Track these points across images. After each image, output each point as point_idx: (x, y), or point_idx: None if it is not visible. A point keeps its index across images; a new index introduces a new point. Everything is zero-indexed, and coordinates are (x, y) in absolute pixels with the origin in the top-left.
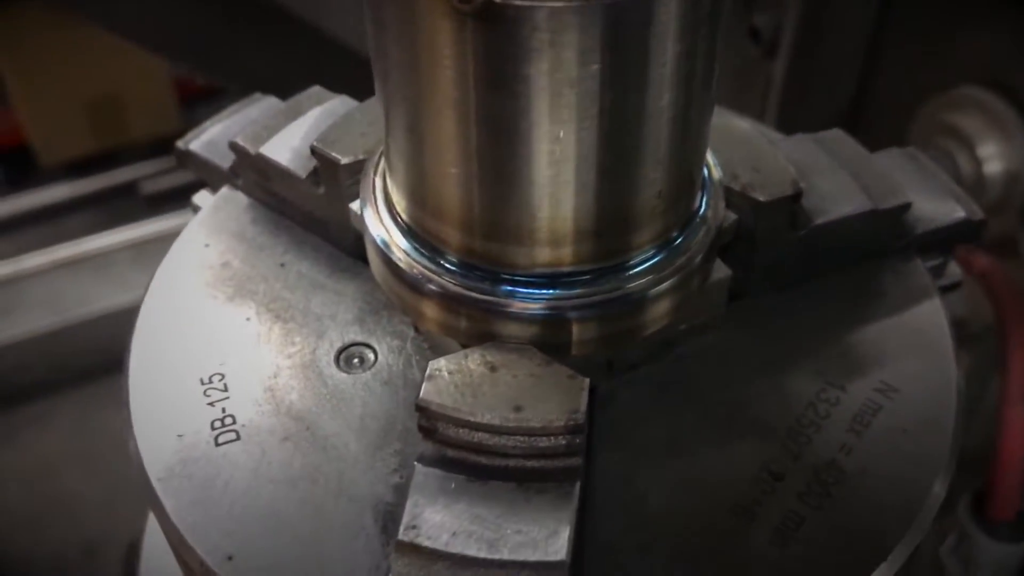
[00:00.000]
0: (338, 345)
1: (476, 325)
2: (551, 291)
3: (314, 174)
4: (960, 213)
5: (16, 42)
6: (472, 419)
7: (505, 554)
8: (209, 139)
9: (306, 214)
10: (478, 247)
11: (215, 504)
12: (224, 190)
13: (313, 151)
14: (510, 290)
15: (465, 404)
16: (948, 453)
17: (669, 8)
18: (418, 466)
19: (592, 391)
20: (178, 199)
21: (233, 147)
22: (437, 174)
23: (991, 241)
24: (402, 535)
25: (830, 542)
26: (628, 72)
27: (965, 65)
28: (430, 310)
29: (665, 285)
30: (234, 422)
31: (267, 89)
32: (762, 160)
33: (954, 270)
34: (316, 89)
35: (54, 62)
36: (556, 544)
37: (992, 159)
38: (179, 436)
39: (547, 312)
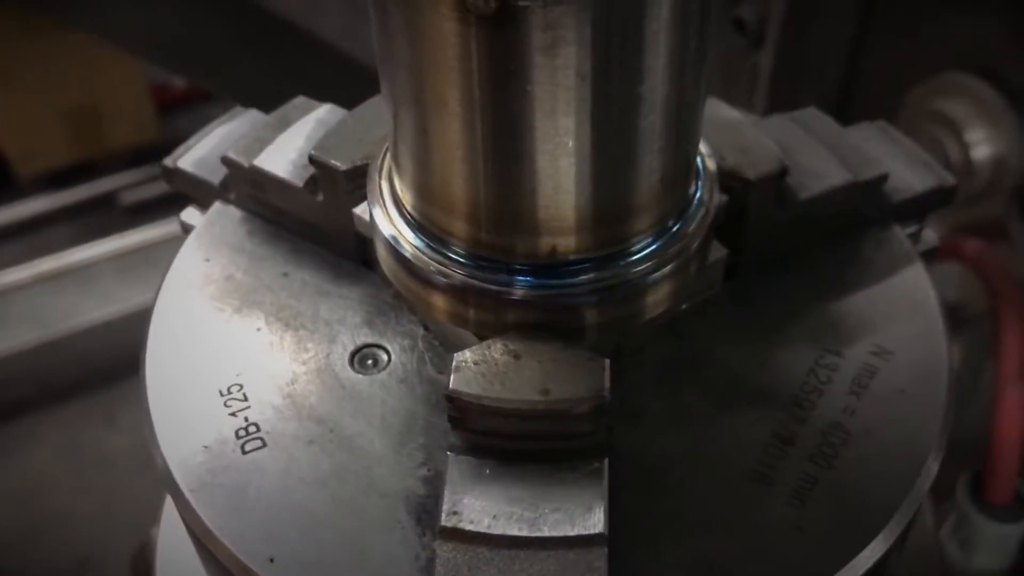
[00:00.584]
0: (351, 348)
1: (491, 315)
2: (565, 279)
3: (311, 183)
4: (932, 181)
5: None
6: (502, 405)
7: (546, 531)
8: (196, 155)
9: (304, 223)
10: (489, 239)
11: (250, 510)
12: (217, 205)
13: (311, 160)
14: (525, 280)
15: (494, 391)
16: (944, 408)
17: (648, 16)
18: (451, 455)
19: None
20: (159, 209)
21: (226, 161)
22: (446, 170)
23: (981, 225)
24: (444, 521)
25: (845, 498)
26: (628, 64)
27: (951, 51)
28: (444, 303)
29: (669, 267)
30: (258, 430)
31: (254, 94)
32: (746, 141)
33: (929, 236)
34: (301, 99)
35: (30, 72)
36: (593, 518)
37: (980, 144)
38: (205, 447)
39: (562, 299)
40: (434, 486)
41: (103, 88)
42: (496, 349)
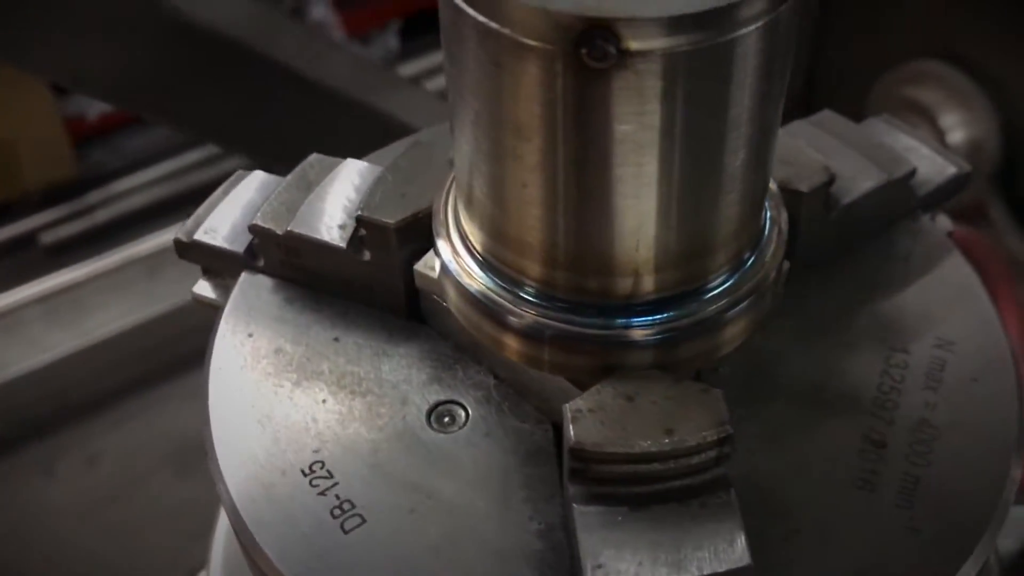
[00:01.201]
0: (425, 408)
1: (590, 359)
2: (664, 315)
3: (355, 242)
4: (952, 169)
5: None
6: (630, 450)
7: (695, 571)
8: (214, 226)
9: (347, 284)
10: (587, 283)
11: None
12: (244, 276)
13: (360, 220)
14: (626, 322)
15: (618, 438)
16: (1016, 389)
17: (772, 41)
18: (576, 508)
19: None
20: (81, 248)
21: (255, 230)
22: (544, 215)
23: (961, 209)
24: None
25: (949, 493)
26: (723, 101)
27: (918, 39)
28: (540, 352)
29: (753, 296)
30: (353, 506)
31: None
32: (789, 153)
33: (944, 222)
34: (315, 157)
35: None
36: (737, 551)
37: (955, 129)
38: (304, 534)
39: (663, 337)
40: (549, 540)
41: (15, 123)
42: (607, 394)
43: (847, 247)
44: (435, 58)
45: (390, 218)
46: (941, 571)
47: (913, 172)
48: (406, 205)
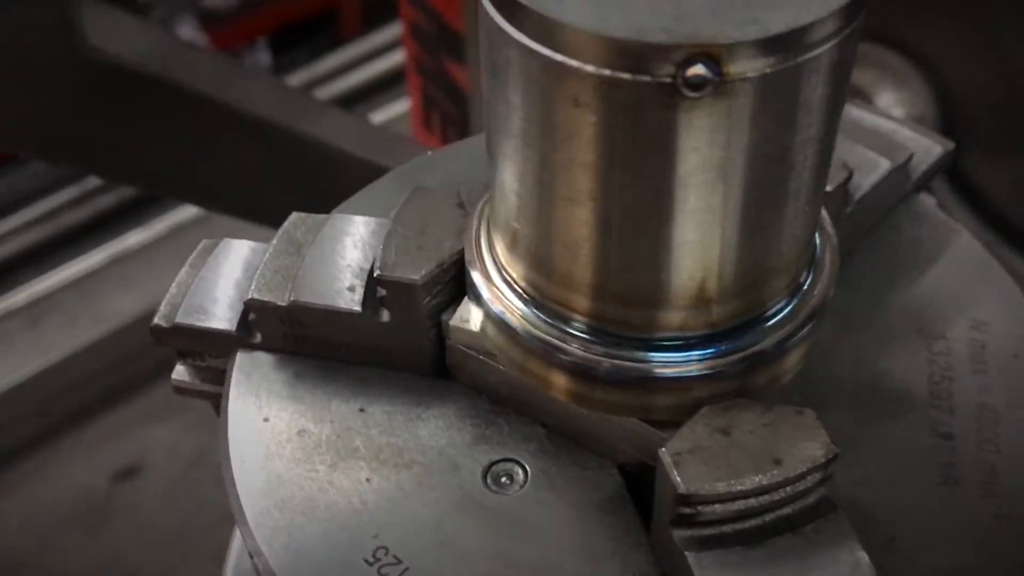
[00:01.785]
0: (479, 471)
1: (680, 397)
2: (742, 341)
3: (370, 304)
4: (939, 148)
5: None
6: (744, 488)
7: None
8: (193, 306)
9: (363, 349)
10: (674, 319)
11: None
12: (241, 355)
13: (380, 281)
14: (710, 353)
15: (727, 477)
16: None
17: (845, 55)
18: (691, 556)
19: None
20: None
21: (253, 305)
22: (626, 256)
23: None
24: None
25: None
26: (802, 125)
27: None
28: (629, 397)
29: (806, 330)
30: None
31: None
32: None
33: (927, 200)
34: (297, 216)
35: None
36: (865, 572)
37: (893, 109)
38: None
39: (747, 364)
40: None
41: None
42: (702, 431)
43: (858, 241)
44: (313, 70)
45: (414, 274)
46: None
47: (911, 157)
48: (427, 258)
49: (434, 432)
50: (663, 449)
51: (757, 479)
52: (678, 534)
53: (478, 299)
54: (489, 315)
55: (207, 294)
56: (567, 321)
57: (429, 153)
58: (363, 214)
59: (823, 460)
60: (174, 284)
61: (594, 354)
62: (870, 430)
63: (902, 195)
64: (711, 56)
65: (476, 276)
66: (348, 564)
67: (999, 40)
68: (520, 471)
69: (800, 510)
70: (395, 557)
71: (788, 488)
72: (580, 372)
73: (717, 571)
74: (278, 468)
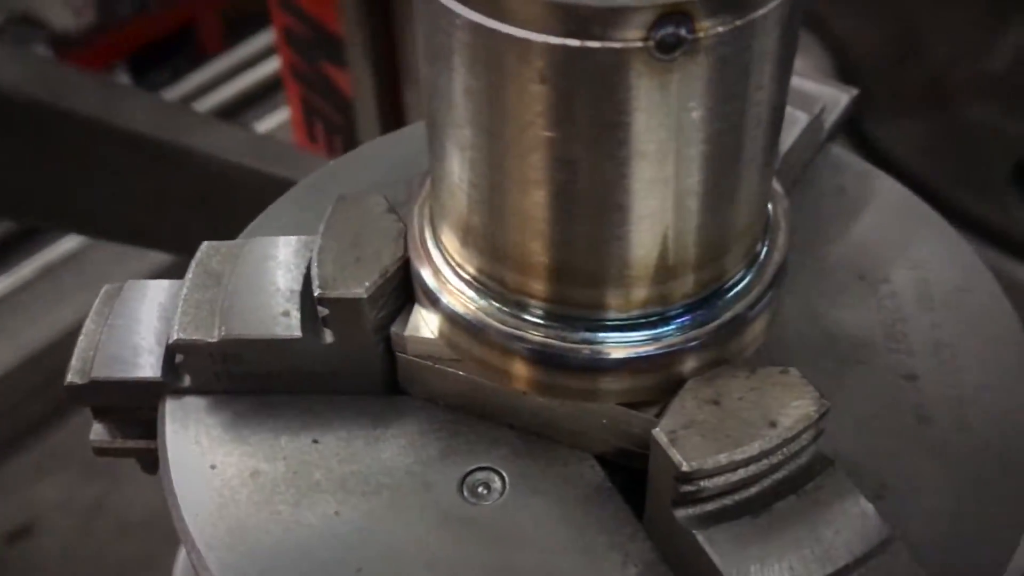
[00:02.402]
0: (452, 485)
1: (665, 374)
2: (711, 308)
3: (309, 327)
4: (845, 96)
5: None
6: (746, 455)
7: (846, 557)
8: (109, 357)
9: (306, 376)
10: (647, 294)
11: None
12: (170, 402)
13: (321, 300)
14: (679, 326)
15: (729, 447)
16: (999, 286)
17: (794, 10)
18: (698, 534)
19: None
20: None
21: (179, 346)
22: (599, 233)
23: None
24: None
25: (996, 401)
26: (755, 88)
27: None
28: (610, 382)
29: (774, 290)
30: None
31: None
32: None
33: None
34: (209, 245)
35: None
36: (873, 523)
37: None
38: None
39: (727, 331)
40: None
41: None
42: (691, 405)
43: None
44: (178, 89)
45: (358, 288)
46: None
47: (824, 108)
48: (368, 269)
49: (397, 452)
50: (656, 429)
51: (757, 444)
52: (681, 514)
53: (434, 302)
54: (448, 316)
55: (122, 342)
56: (532, 310)
57: (331, 163)
58: (277, 234)
59: (816, 416)
60: (81, 336)
61: (568, 342)
62: (840, 382)
63: (818, 146)
64: (684, 12)
65: (428, 277)
66: None
67: None
68: (496, 478)
69: (798, 470)
70: None
71: (785, 449)
72: (553, 363)
73: (730, 545)
74: (237, 515)
